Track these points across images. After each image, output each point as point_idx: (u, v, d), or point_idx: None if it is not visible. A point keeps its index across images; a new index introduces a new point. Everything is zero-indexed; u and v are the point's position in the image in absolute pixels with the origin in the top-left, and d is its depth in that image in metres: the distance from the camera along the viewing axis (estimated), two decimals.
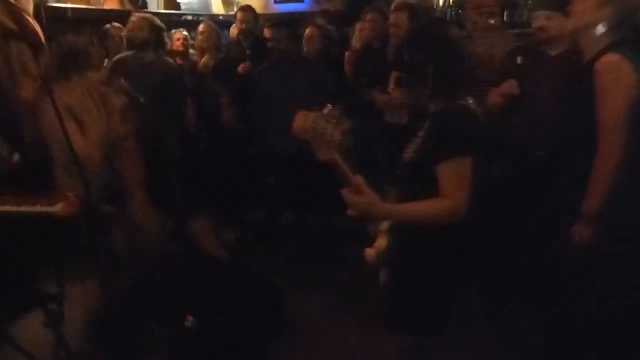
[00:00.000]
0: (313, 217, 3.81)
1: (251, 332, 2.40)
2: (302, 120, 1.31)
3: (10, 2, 2.94)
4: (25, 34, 2.96)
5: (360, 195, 1.36)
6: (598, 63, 1.73)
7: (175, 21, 5.11)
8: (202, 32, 4.15)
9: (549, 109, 2.30)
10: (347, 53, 3.99)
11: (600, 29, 1.74)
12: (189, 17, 5.41)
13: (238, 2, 6.75)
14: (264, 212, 3.86)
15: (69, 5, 3.63)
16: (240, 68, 3.79)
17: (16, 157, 2.71)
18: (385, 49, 3.30)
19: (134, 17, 3.35)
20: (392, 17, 3.09)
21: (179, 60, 4.17)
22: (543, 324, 2.14)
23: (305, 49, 3.85)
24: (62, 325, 2.45)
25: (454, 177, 1.39)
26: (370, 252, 1.58)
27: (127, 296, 2.50)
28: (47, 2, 3.34)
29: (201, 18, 5.59)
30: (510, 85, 2.56)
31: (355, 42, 4.24)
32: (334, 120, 1.32)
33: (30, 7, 3.10)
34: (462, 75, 1.52)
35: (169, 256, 2.85)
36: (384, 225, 1.57)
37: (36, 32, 3.04)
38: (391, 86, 2.99)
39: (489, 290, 2.87)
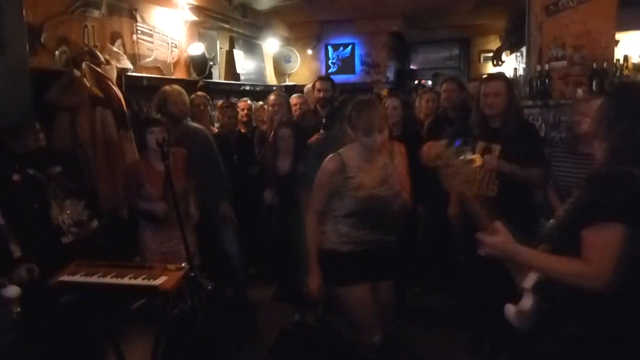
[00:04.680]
0: None
1: None
2: (430, 148, 1.49)
3: (99, 72, 3.01)
4: (110, 101, 3.02)
5: (496, 235, 1.40)
6: None
7: (235, 90, 5.25)
8: (273, 105, 3.92)
9: None
10: None
11: None
12: (247, 87, 5.56)
13: (290, 74, 6.97)
14: None
15: (144, 74, 3.74)
16: (312, 140, 3.61)
17: (95, 223, 2.66)
18: (464, 117, 3.17)
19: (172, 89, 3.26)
20: (488, 87, 2.78)
21: (242, 129, 4.17)
22: None
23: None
24: None
25: (597, 243, 1.29)
26: (511, 309, 1.47)
27: None
28: (127, 71, 3.41)
29: (258, 88, 5.77)
30: None
31: (419, 111, 4.18)
32: (462, 156, 1.44)
33: (114, 76, 3.18)
34: None
35: None
36: (530, 282, 1.45)
37: (120, 100, 3.10)
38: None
39: None
